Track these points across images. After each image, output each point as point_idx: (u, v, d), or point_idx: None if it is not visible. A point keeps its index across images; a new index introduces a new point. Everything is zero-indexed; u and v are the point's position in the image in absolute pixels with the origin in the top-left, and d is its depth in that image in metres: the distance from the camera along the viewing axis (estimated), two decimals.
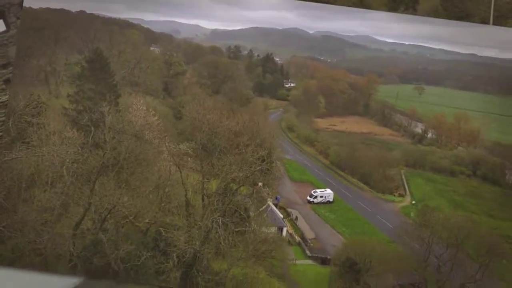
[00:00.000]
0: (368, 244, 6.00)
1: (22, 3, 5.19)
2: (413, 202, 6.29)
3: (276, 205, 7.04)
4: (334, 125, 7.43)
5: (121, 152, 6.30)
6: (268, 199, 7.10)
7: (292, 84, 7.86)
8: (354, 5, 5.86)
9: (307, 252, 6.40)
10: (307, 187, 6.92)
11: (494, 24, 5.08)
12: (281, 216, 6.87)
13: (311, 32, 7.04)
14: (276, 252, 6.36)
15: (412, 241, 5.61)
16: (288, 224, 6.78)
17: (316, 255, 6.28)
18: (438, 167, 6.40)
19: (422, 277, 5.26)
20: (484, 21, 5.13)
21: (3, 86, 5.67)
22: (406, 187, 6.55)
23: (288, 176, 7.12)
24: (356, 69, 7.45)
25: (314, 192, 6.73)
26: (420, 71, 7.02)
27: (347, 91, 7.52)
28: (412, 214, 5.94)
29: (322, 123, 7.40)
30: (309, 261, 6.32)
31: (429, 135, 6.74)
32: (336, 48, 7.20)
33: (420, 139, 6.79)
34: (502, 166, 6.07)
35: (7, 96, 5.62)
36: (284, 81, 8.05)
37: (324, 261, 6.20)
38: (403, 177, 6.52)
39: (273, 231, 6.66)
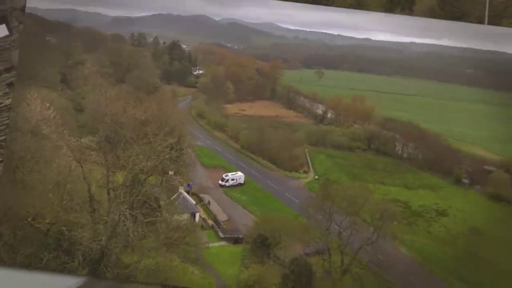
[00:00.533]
0: (277, 219, 6.28)
1: (25, 8, 5.71)
2: (316, 177, 6.73)
3: (188, 192, 7.02)
4: (243, 110, 7.61)
5: (15, 150, 5.76)
6: (180, 187, 7.06)
7: (201, 71, 7.85)
8: (351, 6, 6.08)
9: (220, 234, 6.50)
10: (220, 172, 7.00)
11: (489, 23, 5.58)
12: (194, 202, 6.87)
13: (217, 19, 7.07)
14: (189, 238, 6.38)
15: (316, 212, 6.03)
16: (201, 209, 6.81)
17: (229, 236, 6.41)
18: (337, 144, 6.91)
19: (325, 244, 5.70)
20: (480, 21, 5.57)
21: (7, 90, 5.47)
22: (310, 164, 6.96)
23: (200, 162, 7.13)
24: (262, 55, 7.68)
25: (226, 176, 6.83)
26: (320, 56, 7.47)
27: (255, 77, 7.74)
28: (315, 188, 6.36)
29: (231, 108, 7.52)
30: (223, 243, 6.45)
31: (329, 115, 7.24)
32: (242, 35, 7.34)
33: (321, 119, 7.26)
34: (393, 139, 6.77)
35: (10, 100, 5.48)
36: (192, 68, 7.99)
37: (237, 241, 6.37)
38: (307, 155, 6.92)
39: (185, 218, 6.65)
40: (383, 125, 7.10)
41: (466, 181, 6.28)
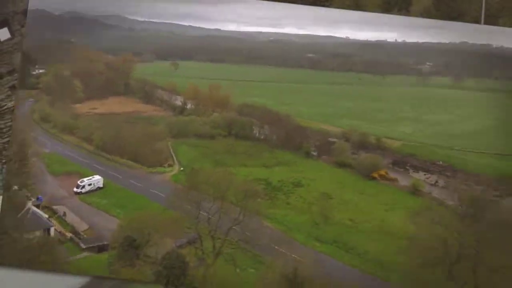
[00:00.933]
0: (143, 218, 6.04)
1: (27, 11, 5.83)
2: (181, 168, 6.70)
3: (38, 206, 6.19)
4: (95, 109, 7.00)
5: None
6: (28, 202, 6.17)
7: (41, 70, 6.94)
8: (349, 7, 5.64)
9: (82, 245, 5.93)
10: (74, 178, 6.32)
11: (485, 23, 5.70)
12: (46, 216, 6.09)
13: (57, 13, 6.29)
14: (44, 256, 5.67)
15: (183, 203, 6.02)
16: (56, 223, 6.09)
17: (91, 245, 5.89)
18: (199, 133, 7.00)
19: (196, 233, 5.74)
20: (476, 20, 5.65)
21: (9, 93, 5.74)
22: (174, 156, 6.88)
23: (49, 171, 6.32)
24: (112, 49, 7.17)
25: (81, 181, 6.17)
26: (174, 48, 7.38)
27: (105, 72, 7.19)
28: (181, 180, 6.33)
29: (81, 108, 6.83)
30: (85, 253, 5.91)
31: (188, 106, 7.25)
32: (87, 29, 6.70)
33: (181, 110, 7.21)
34: (250, 123, 7.18)
35: (13, 102, 5.73)
36: (32, 68, 7.02)
37: (101, 249, 5.90)
38: (170, 148, 6.81)
39: (38, 235, 5.87)
40: (240, 111, 7.43)
41: (314, 153, 6.99)
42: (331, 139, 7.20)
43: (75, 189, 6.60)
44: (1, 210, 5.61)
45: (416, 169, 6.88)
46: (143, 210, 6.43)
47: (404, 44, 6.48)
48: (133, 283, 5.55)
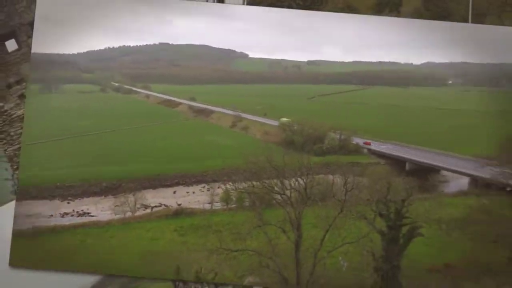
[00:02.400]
0: None
1: (33, 22, 5.95)
2: None
3: None
4: None
5: None
6: None
7: None
8: (342, 10, 5.86)
9: None
10: None
11: (473, 21, 5.87)
12: None
13: None
14: None
15: None
16: None
17: None
18: None
19: None
20: (464, 19, 5.81)
21: (18, 101, 5.97)
22: None
23: None
24: None
25: None
26: None
27: None
28: None
29: None
30: None
31: None
32: None
33: None
34: None
35: (22, 110, 5.93)
36: None
37: None
38: None
39: None
40: None
41: None
42: None
43: None
44: None
45: None
46: None
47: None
48: (142, 280, 5.75)
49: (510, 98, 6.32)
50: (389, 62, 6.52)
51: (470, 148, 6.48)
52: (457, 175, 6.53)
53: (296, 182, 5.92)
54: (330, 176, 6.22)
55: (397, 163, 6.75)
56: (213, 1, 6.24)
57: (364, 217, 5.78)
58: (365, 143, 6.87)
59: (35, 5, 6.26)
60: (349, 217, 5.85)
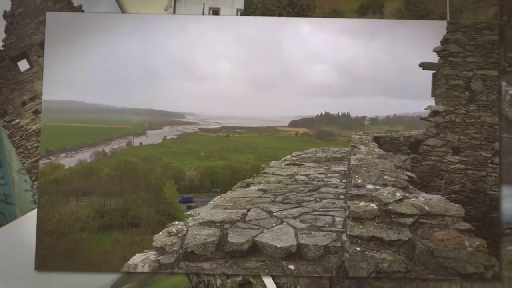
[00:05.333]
0: None
1: (44, 43, 6.09)
2: None
3: None
4: None
5: None
6: None
7: None
8: (329, 14, 6.16)
9: None
10: None
11: (451, 18, 6.20)
12: None
13: None
14: None
15: None
16: None
17: None
18: None
19: None
20: (443, 17, 6.11)
21: (33, 117, 6.51)
22: None
23: None
24: None
25: None
26: None
27: None
28: None
29: None
30: None
31: None
32: None
33: None
34: None
35: (37, 125, 6.38)
36: None
37: None
38: None
39: None
40: None
41: None
42: None
43: None
44: None
45: None
46: None
47: None
48: (159, 275, 6.05)
49: None
50: None
51: None
52: None
53: None
54: None
55: None
56: (209, 13, 6.65)
57: None
58: None
59: (44, 26, 6.65)
60: None
